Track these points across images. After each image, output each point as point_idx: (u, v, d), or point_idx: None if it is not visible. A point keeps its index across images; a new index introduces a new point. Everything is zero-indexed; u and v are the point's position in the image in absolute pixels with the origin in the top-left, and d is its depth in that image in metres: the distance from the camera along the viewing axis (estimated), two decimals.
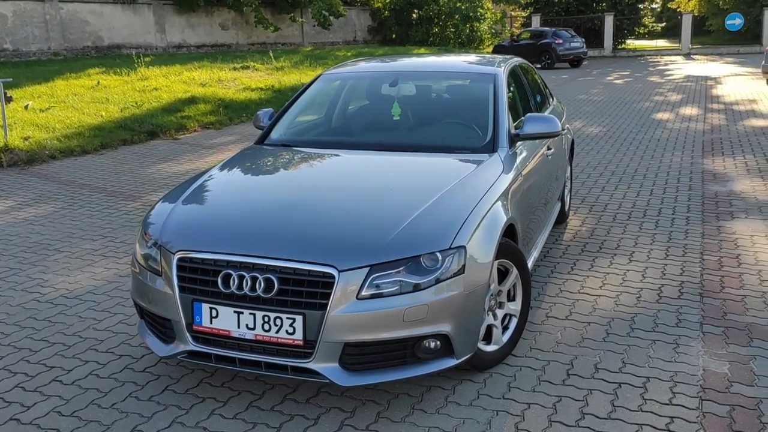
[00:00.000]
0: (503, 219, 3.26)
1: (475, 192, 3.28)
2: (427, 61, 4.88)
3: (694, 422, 2.87)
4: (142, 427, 2.90)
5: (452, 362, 2.96)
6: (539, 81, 5.50)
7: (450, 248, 2.89)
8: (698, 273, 4.59)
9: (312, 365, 2.80)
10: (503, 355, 3.38)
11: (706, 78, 20.03)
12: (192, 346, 2.95)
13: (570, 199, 6.07)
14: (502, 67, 4.47)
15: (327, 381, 2.80)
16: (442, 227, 2.96)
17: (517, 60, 5.03)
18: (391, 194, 3.29)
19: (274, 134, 4.31)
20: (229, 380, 3.27)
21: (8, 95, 10.43)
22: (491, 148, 3.81)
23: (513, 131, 3.96)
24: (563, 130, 5.37)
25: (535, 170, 4.15)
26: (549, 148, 4.54)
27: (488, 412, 2.98)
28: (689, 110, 13.05)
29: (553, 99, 5.79)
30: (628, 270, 4.67)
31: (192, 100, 13.16)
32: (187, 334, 2.94)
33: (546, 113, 4.97)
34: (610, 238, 5.37)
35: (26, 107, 11.38)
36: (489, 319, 3.28)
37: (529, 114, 4.04)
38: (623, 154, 8.87)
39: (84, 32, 21.36)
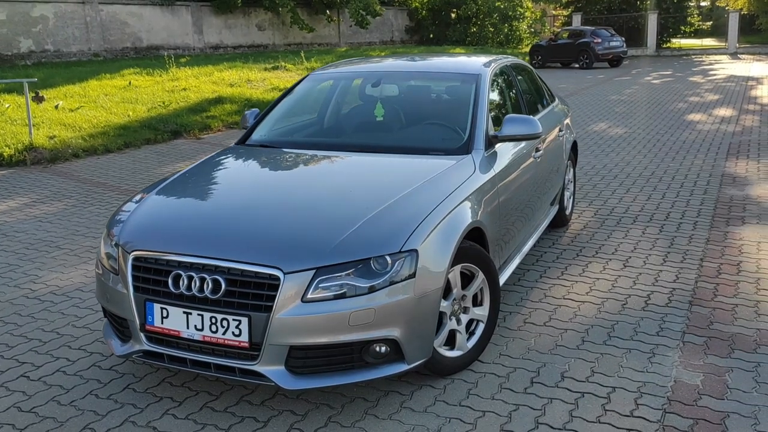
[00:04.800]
0: (466, 222, 3.19)
1: (438, 194, 3.22)
2: (415, 62, 4.82)
3: None
4: (94, 425, 2.93)
5: (403, 367, 2.91)
6: (537, 81, 5.38)
7: (400, 252, 2.84)
8: (693, 280, 4.43)
9: (258, 368, 2.78)
10: (468, 361, 3.31)
11: (748, 78, 19.39)
12: (146, 345, 2.97)
13: (573, 202, 5.93)
14: (489, 68, 4.38)
15: (272, 384, 2.78)
16: (395, 230, 2.91)
17: (509, 60, 4.93)
18: (351, 195, 3.26)
19: (256, 134, 4.31)
20: (190, 380, 3.28)
21: (40, 95, 10.75)
22: (466, 149, 3.74)
23: (492, 132, 3.88)
24: (561, 131, 5.25)
25: (518, 173, 4.06)
26: (537, 150, 4.44)
27: (440, 419, 2.92)
28: (723, 111, 12.65)
29: (554, 100, 5.66)
30: (619, 276, 4.54)
31: (219, 100, 13.32)
32: (141, 334, 2.96)
33: (540, 115, 4.86)
34: (609, 243, 5.23)
35: (56, 107, 11.68)
36: (452, 324, 3.22)
37: (509, 115, 3.95)
38: (643, 156, 8.64)
39: (123, 33, 21.86)
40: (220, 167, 3.89)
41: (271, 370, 2.78)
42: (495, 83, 4.34)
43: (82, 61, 19.81)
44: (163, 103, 12.78)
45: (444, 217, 3.08)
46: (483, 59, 4.67)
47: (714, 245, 5.11)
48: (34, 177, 8.12)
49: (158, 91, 14.06)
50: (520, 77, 4.91)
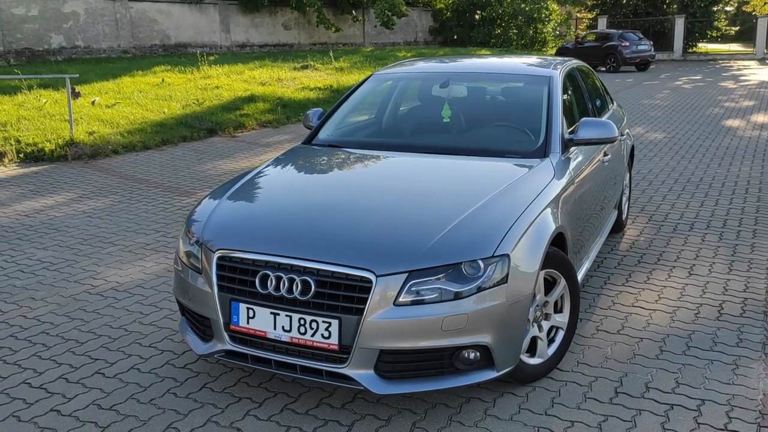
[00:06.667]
0: (552, 227, 3.13)
1: (523, 198, 3.16)
2: (481, 62, 4.76)
3: None
4: (178, 425, 2.90)
5: (492, 374, 2.86)
6: (598, 84, 5.31)
7: (493, 256, 2.78)
8: (763, 290, 4.34)
9: (347, 371, 2.74)
10: (548, 369, 3.25)
11: None
12: (229, 345, 2.94)
13: (628, 207, 5.85)
14: (558, 69, 4.32)
15: (361, 388, 2.74)
16: (486, 234, 2.86)
17: (575, 62, 4.86)
18: (435, 198, 3.21)
19: (322, 134, 4.28)
20: (266, 381, 3.25)
21: (77, 91, 10.77)
22: (543, 152, 3.68)
23: (567, 136, 3.82)
24: (622, 135, 5.17)
25: (589, 177, 4.00)
26: (605, 155, 4.37)
27: (529, 428, 2.86)
28: (762, 118, 12.46)
29: (612, 103, 5.58)
30: (687, 284, 4.45)
31: (251, 99, 13.33)
32: (225, 334, 2.93)
33: (604, 118, 4.78)
34: (669, 250, 5.14)
35: (93, 103, 11.74)
36: (534, 331, 3.16)
37: (584, 118, 3.88)
38: (688, 161, 8.52)
39: (152, 31, 21.96)
40: (294, 167, 3.85)
41: (360, 373, 2.74)
42: (565, 85, 4.27)
43: (111, 58, 19.93)
44: (197, 100, 12.80)
45: (532, 222, 3.02)
46: (549, 60, 4.60)
47: None
48: (77, 172, 8.14)
49: (191, 88, 14.09)
50: (585, 80, 4.84)
